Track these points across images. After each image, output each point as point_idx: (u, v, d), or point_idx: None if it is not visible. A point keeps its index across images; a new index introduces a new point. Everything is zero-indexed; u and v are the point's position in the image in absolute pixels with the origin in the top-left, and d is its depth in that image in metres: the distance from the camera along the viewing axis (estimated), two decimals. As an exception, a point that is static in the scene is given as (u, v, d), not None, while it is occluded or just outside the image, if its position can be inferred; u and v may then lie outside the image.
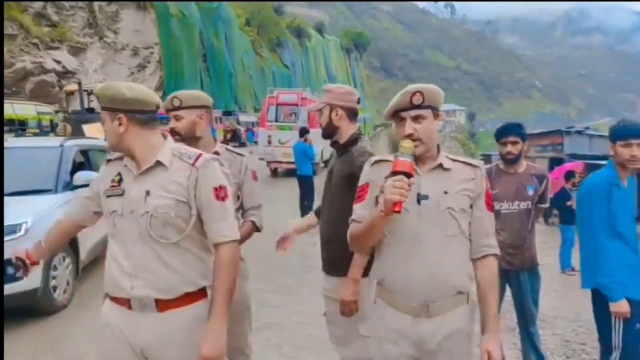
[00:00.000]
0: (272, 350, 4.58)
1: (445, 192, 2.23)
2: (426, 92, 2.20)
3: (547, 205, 4.30)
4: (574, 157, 21.59)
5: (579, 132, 26.79)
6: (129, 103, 2.17)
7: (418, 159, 2.19)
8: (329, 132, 3.13)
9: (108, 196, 2.24)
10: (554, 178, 9.99)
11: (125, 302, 2.17)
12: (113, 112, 2.18)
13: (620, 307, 3.32)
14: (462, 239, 2.29)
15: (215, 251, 2.22)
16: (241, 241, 3.01)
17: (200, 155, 2.22)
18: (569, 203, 10.32)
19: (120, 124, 2.17)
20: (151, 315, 2.15)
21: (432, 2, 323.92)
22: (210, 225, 2.20)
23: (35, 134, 16.77)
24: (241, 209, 3.22)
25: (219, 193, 2.21)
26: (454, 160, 2.34)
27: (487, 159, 30.68)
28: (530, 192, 4.06)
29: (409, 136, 2.17)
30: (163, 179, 2.17)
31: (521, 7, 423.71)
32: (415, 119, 2.20)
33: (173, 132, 3.08)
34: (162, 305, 2.14)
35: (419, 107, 2.20)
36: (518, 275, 4.13)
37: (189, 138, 3.08)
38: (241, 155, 3.25)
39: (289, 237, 3.35)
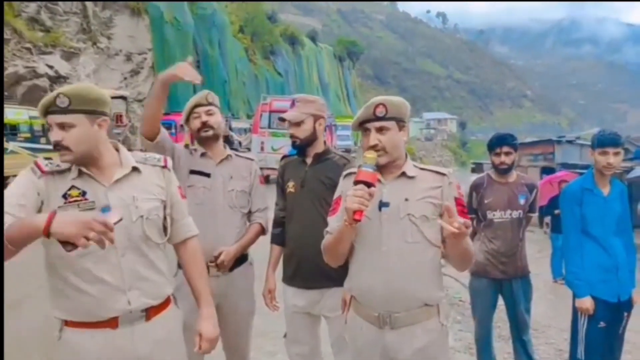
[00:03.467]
0: (266, 358, 4.58)
1: (407, 199, 2.26)
2: (389, 105, 2.27)
3: (536, 214, 4.44)
4: (565, 166, 21.70)
5: (570, 142, 27.06)
6: (108, 106, 2.13)
7: (383, 169, 2.24)
8: (309, 142, 3.11)
9: None
10: (542, 187, 10.07)
11: (111, 322, 2.05)
12: (95, 115, 2.06)
13: (583, 303, 3.55)
14: (425, 247, 2.27)
15: (185, 246, 2.35)
16: (250, 243, 3.20)
17: (165, 158, 2.32)
18: (556, 212, 10.39)
19: (100, 128, 2.09)
20: (139, 327, 2.11)
21: (425, 12, 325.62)
22: (180, 222, 2.32)
23: (26, 139, 16.65)
24: (249, 212, 3.26)
25: (181, 191, 2.38)
26: (422, 169, 2.37)
27: (478, 167, 30.86)
28: (522, 201, 4.15)
29: (373, 147, 2.23)
30: (142, 182, 2.18)
31: (513, 17, 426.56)
32: (379, 130, 2.26)
33: (206, 126, 3.11)
34: (150, 313, 2.14)
35: (382, 118, 2.26)
36: (511, 284, 4.18)
37: (217, 135, 3.15)
38: (250, 159, 3.33)
39: (273, 290, 3.25)
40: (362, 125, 2.32)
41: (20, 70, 21.75)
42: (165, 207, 2.23)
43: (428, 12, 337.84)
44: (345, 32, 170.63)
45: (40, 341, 4.69)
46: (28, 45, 22.96)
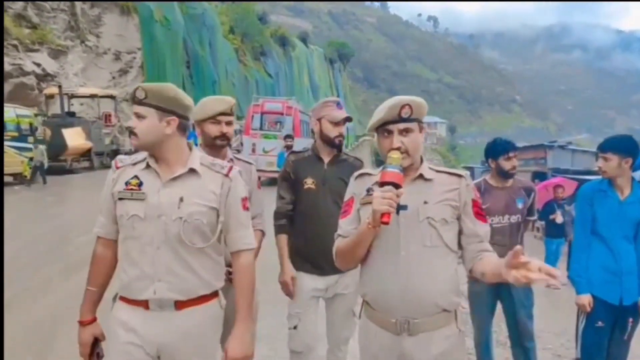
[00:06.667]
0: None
1: (425, 202, 2.18)
2: (414, 105, 2.18)
3: (534, 217, 4.41)
4: (556, 171, 21.84)
5: (561, 147, 27.25)
6: (184, 109, 2.28)
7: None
8: None
9: (122, 199, 2.23)
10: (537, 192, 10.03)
11: (143, 304, 2.21)
12: (165, 112, 2.22)
13: (581, 299, 3.60)
14: (444, 251, 2.20)
15: (237, 258, 2.36)
16: (258, 252, 3.14)
17: (231, 167, 2.35)
18: (552, 217, 10.36)
19: (168, 125, 2.22)
20: (168, 313, 2.21)
21: (416, 15, 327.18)
22: (236, 233, 2.33)
23: (13, 137, 16.48)
24: None
25: (245, 203, 2.38)
26: (438, 171, 2.29)
27: (469, 171, 30.95)
28: (520, 206, 4.11)
29: (397, 149, 2.13)
30: (197, 186, 2.25)
31: (503, 22, 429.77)
32: (403, 131, 2.17)
33: (224, 137, 3.13)
34: (179, 304, 2.22)
35: (407, 120, 2.16)
36: (510, 289, 4.10)
37: (229, 145, 3.22)
38: (250, 163, 3.35)
39: (295, 277, 3.32)
40: (383, 126, 2.22)
41: (6, 68, 21.48)
42: (218, 215, 2.27)
43: (419, 15, 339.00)
44: (336, 35, 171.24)
45: (31, 341, 4.57)
46: (14, 42, 22.67)
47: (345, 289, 3.28)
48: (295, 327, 3.26)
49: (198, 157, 2.32)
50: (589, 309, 3.55)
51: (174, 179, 2.22)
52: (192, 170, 2.25)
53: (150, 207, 2.18)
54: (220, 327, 2.39)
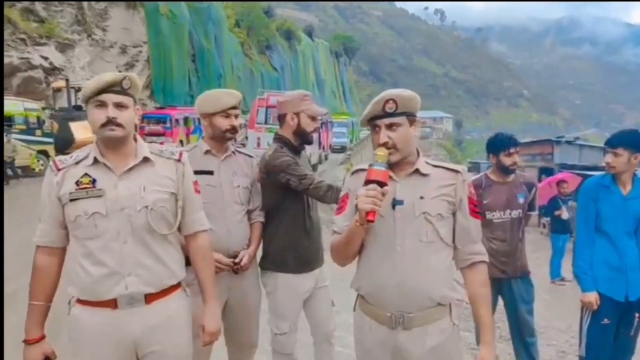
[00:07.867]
0: (262, 357, 4.51)
1: (422, 197, 2.18)
2: (399, 99, 2.17)
3: (535, 212, 4.41)
4: (563, 167, 21.72)
5: (568, 142, 27.02)
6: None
7: (395, 165, 2.15)
8: None
9: (75, 199, 2.13)
10: (542, 188, 9.99)
11: (110, 303, 2.15)
12: (135, 102, 2.25)
13: (586, 297, 3.54)
14: (440, 246, 2.21)
15: (194, 239, 2.40)
16: (260, 242, 3.26)
17: (181, 152, 2.38)
18: (557, 213, 10.32)
19: (136, 114, 2.26)
20: (139, 309, 2.19)
21: (422, 9, 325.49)
22: (191, 216, 2.36)
23: (21, 131, 16.59)
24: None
25: (196, 187, 2.43)
26: (435, 166, 2.28)
27: (475, 166, 30.85)
28: (521, 201, 4.12)
29: (384, 144, 2.13)
30: (153, 174, 2.24)
31: (511, 15, 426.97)
32: (390, 126, 2.17)
33: (234, 130, 3.15)
34: (149, 298, 2.20)
35: (392, 114, 2.16)
36: (510, 284, 4.12)
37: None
38: (251, 157, 3.36)
39: None
40: (371, 122, 2.23)
41: (14, 62, 21.59)
42: (177, 200, 2.29)
43: (426, 8, 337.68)
44: (342, 28, 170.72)
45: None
46: (22, 36, 22.75)
47: (324, 281, 3.33)
48: (284, 333, 3.23)
49: (146, 146, 2.30)
50: (595, 307, 3.50)
51: (129, 170, 2.19)
52: (145, 159, 2.24)
53: (110, 202, 2.13)
54: (190, 316, 2.39)
